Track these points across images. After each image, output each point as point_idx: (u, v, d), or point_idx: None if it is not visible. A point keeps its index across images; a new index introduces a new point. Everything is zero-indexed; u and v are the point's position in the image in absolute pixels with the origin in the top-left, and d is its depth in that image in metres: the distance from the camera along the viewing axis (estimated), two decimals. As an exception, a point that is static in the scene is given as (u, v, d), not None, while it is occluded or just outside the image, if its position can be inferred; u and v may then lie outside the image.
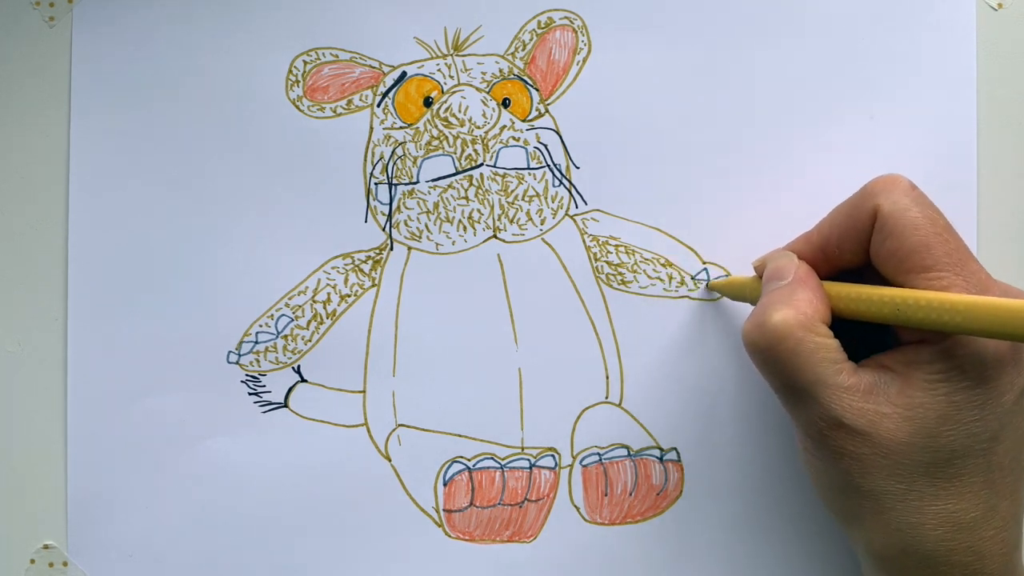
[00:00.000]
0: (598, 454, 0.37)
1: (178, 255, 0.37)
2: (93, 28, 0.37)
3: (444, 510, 0.37)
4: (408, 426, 0.37)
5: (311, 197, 0.37)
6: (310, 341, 0.37)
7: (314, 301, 0.37)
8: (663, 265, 0.37)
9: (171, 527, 0.37)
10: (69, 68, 0.37)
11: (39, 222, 0.37)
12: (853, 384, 0.28)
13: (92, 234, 0.37)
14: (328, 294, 0.37)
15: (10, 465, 0.37)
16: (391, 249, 0.37)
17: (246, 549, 0.37)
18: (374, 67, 0.37)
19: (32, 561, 0.37)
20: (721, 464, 0.36)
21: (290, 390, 0.37)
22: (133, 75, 0.37)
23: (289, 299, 0.37)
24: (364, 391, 0.37)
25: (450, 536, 0.37)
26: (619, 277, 0.37)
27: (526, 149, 0.37)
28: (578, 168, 0.37)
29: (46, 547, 0.37)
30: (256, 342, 0.37)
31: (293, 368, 0.37)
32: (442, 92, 0.37)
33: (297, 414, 0.37)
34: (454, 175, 0.37)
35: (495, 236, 0.37)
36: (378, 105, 0.37)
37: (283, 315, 0.37)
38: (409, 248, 0.37)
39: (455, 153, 0.37)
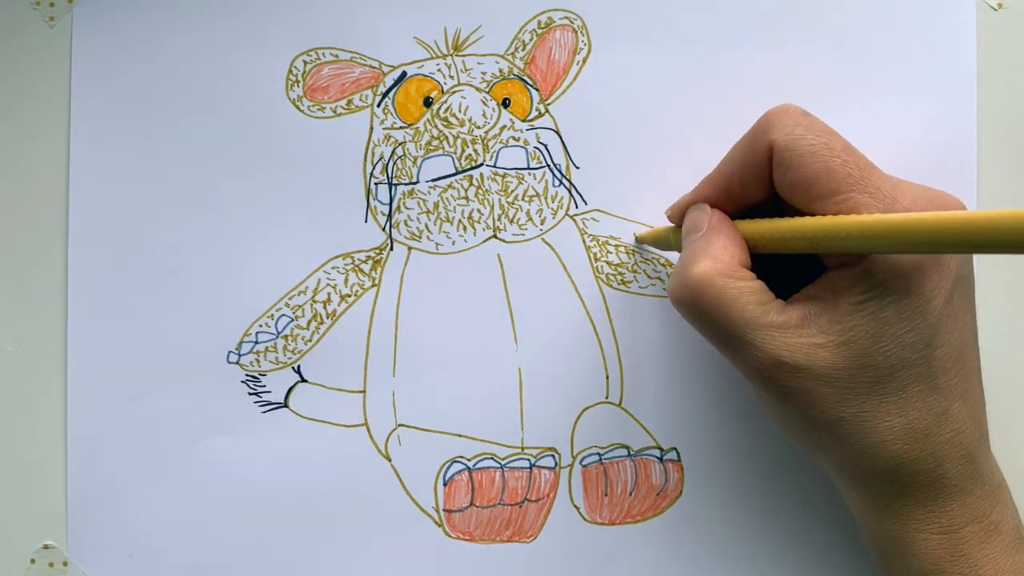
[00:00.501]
0: (598, 454, 0.37)
1: (178, 255, 0.37)
2: (93, 28, 0.37)
3: (444, 510, 0.37)
4: (408, 426, 0.37)
5: (311, 197, 0.37)
6: (310, 341, 0.37)
7: (314, 301, 0.37)
8: (663, 265, 0.37)
9: (171, 527, 0.37)
10: (69, 68, 0.37)
11: (39, 222, 0.37)
12: (783, 321, 0.29)
13: (92, 234, 0.37)
14: (328, 294, 0.37)
15: (10, 465, 0.37)
16: (391, 249, 0.37)
17: (246, 549, 0.37)
18: (374, 67, 0.37)
19: (32, 561, 0.37)
20: (721, 464, 0.36)
21: (290, 390, 0.37)
22: (133, 75, 0.37)
23: (289, 299, 0.37)
24: (364, 391, 0.37)
25: (450, 536, 0.37)
26: (619, 277, 0.37)
27: (526, 149, 0.37)
28: (578, 168, 0.37)
29: (46, 547, 0.37)
30: (256, 342, 0.37)
31: (293, 368, 0.37)
32: (442, 92, 0.37)
33: (297, 414, 0.37)
34: (454, 175, 0.37)
35: (495, 236, 0.37)
36: (378, 105, 0.37)
37: (283, 315, 0.37)
38: (409, 248, 0.37)
39: (455, 153, 0.37)
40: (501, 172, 0.37)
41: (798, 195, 0.29)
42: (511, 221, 0.37)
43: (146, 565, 0.37)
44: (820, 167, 0.28)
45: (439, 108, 0.37)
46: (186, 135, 0.37)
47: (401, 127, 0.37)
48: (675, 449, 0.37)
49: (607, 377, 0.37)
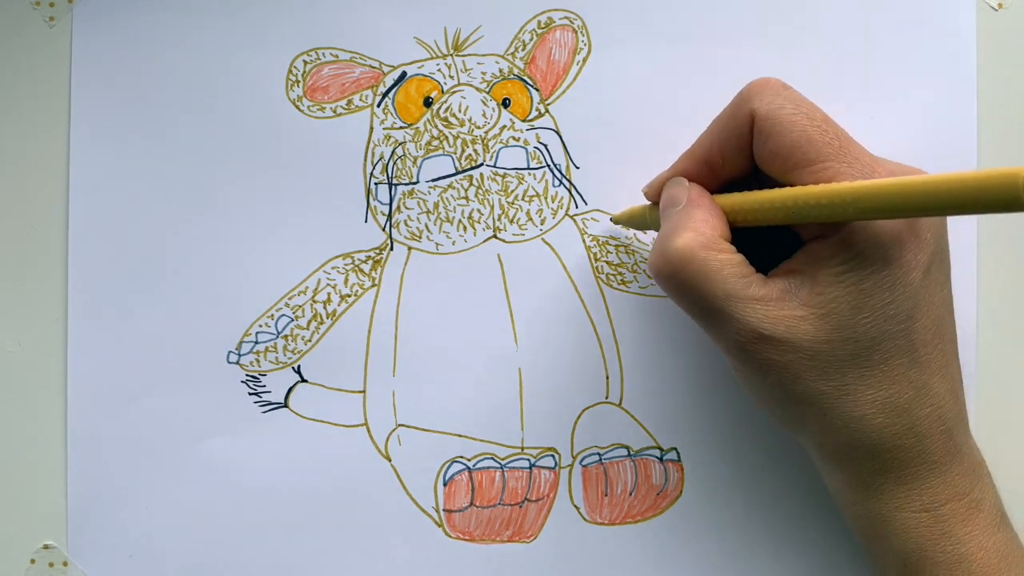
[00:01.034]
0: (598, 454, 0.37)
1: (178, 255, 0.37)
2: (93, 28, 0.37)
3: (444, 510, 0.37)
4: (408, 426, 0.37)
5: (311, 197, 0.37)
6: (310, 341, 0.37)
7: (314, 301, 0.37)
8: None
9: (171, 527, 0.37)
10: (69, 68, 0.37)
11: (39, 222, 0.37)
12: (764, 294, 0.29)
13: (92, 234, 0.37)
14: (328, 294, 0.37)
15: (10, 465, 0.37)
16: (391, 249, 0.37)
17: (246, 549, 0.37)
18: (374, 67, 0.37)
19: (32, 561, 0.37)
20: (721, 464, 0.36)
21: (290, 390, 0.37)
22: (133, 75, 0.37)
23: (289, 299, 0.37)
24: (364, 391, 0.37)
25: (450, 536, 0.37)
26: (619, 277, 0.37)
27: (526, 149, 0.37)
28: (578, 168, 0.37)
29: (46, 547, 0.37)
30: (256, 342, 0.37)
31: (293, 368, 0.37)
32: (442, 92, 0.37)
33: (297, 414, 0.37)
34: (454, 175, 0.37)
35: (495, 236, 0.37)
36: (378, 105, 0.37)
37: (283, 315, 0.37)
38: (409, 248, 0.37)
39: (455, 153, 0.37)
40: (501, 172, 0.37)
41: (777, 165, 0.29)
42: (511, 221, 0.37)
43: (146, 565, 0.37)
44: (800, 136, 0.29)
45: (439, 108, 0.37)
46: (186, 135, 0.37)
47: (401, 127, 0.37)
48: (675, 449, 0.37)
49: (607, 377, 0.37)
